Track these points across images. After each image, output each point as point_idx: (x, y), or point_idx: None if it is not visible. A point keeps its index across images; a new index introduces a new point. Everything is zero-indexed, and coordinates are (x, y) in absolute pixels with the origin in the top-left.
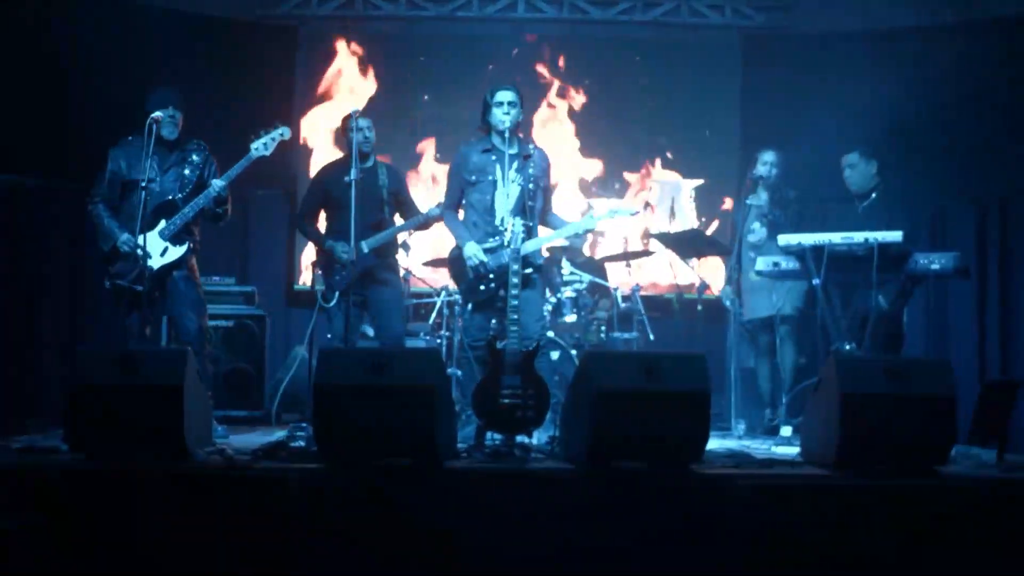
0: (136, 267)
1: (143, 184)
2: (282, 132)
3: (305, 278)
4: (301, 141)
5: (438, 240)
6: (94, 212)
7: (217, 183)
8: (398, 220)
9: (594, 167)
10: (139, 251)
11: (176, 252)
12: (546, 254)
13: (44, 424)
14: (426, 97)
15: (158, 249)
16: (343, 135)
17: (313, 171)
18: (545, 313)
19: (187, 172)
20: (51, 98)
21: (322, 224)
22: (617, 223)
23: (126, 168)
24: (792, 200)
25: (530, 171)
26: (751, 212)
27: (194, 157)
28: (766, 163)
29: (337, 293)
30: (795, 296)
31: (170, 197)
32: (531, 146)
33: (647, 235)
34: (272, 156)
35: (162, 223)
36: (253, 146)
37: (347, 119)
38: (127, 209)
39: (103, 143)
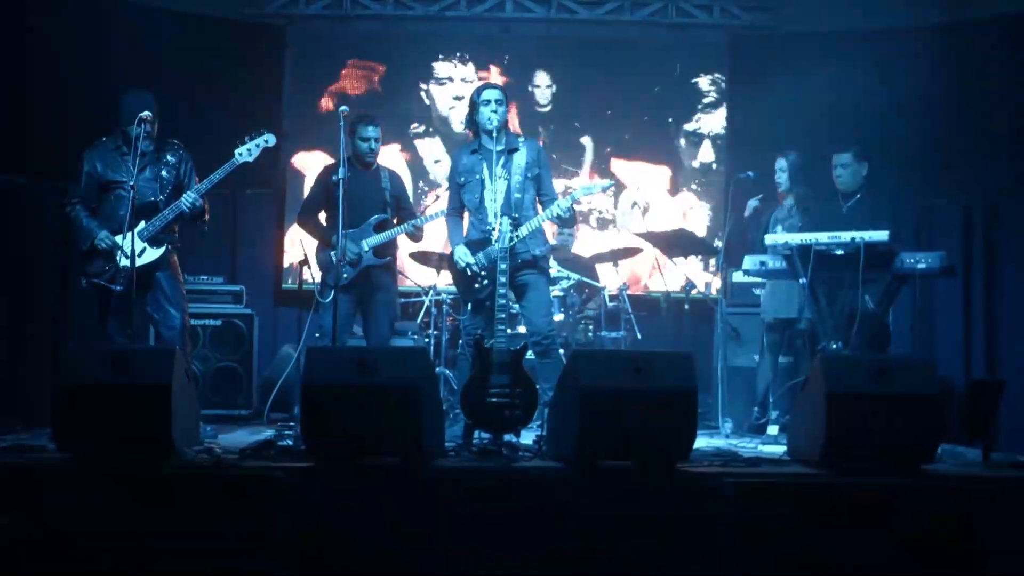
0: (113, 266)
1: (131, 184)
2: (267, 139)
3: (294, 277)
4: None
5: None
6: (72, 214)
7: (187, 197)
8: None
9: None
10: (118, 250)
11: (153, 254)
12: (553, 241)
13: (32, 423)
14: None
15: (136, 249)
16: (349, 136)
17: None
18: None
19: (164, 173)
20: (36, 97)
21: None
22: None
23: (102, 169)
24: (808, 203)
25: (515, 164)
26: (774, 216)
27: (169, 157)
28: (775, 170)
29: (332, 290)
30: (800, 308)
31: (151, 199)
32: (519, 139)
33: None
34: (262, 154)
35: (141, 224)
36: (237, 152)
37: (354, 123)
38: (104, 210)
39: (85, 142)
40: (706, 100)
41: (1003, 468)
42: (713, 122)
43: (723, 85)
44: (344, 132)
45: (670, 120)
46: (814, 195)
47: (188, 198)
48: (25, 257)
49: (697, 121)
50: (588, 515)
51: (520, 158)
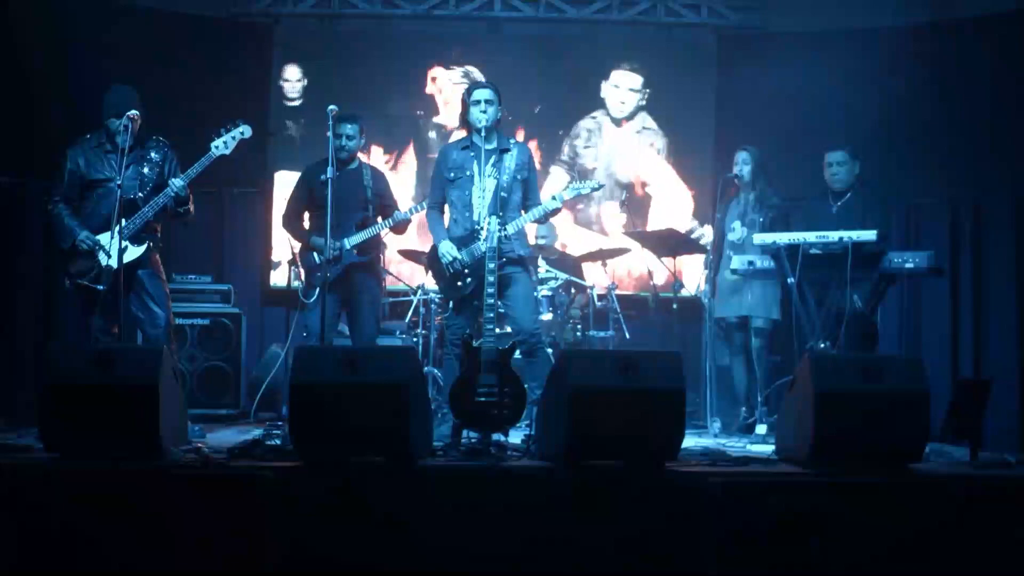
0: (96, 265)
1: (118, 183)
2: (243, 131)
3: (282, 276)
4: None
5: (413, 235)
6: (54, 212)
7: (176, 182)
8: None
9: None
10: (100, 249)
11: (135, 252)
12: (535, 241)
13: (16, 423)
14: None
15: (115, 248)
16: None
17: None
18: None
19: (146, 170)
20: (21, 96)
21: (306, 223)
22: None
23: (85, 167)
24: (775, 206)
25: (506, 165)
26: (731, 211)
27: (153, 155)
28: (737, 162)
29: (316, 289)
30: (767, 307)
31: (131, 196)
32: (511, 141)
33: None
34: (247, 154)
35: (122, 222)
36: (213, 145)
37: (334, 120)
38: (87, 208)
39: (75, 140)
40: (693, 99)
41: (990, 467)
42: (700, 121)
43: (711, 84)
44: (331, 131)
45: (656, 119)
46: (775, 191)
47: (176, 184)
48: (8, 256)
49: (684, 120)
50: (576, 514)
51: (510, 159)
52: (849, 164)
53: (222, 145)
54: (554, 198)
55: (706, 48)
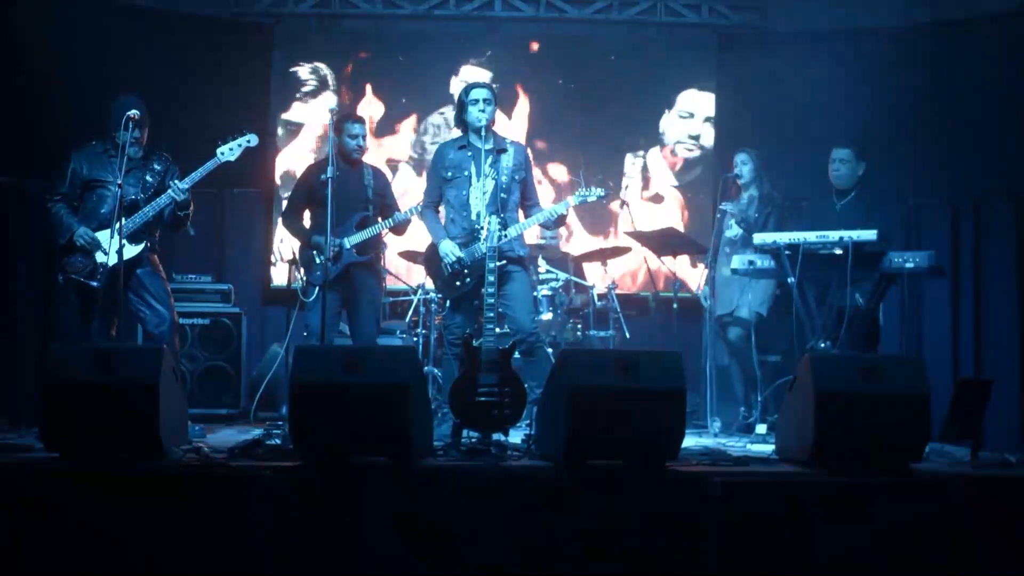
0: (91, 262)
1: (119, 183)
2: (249, 139)
3: (282, 275)
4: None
5: (411, 236)
6: (53, 210)
7: (178, 185)
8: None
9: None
10: (97, 246)
11: (132, 250)
12: (536, 240)
13: (17, 423)
14: (404, 100)
15: (114, 247)
16: (336, 134)
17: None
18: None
19: (148, 178)
20: (21, 96)
21: (307, 222)
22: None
23: (87, 169)
24: (775, 202)
25: (503, 165)
26: (729, 210)
27: (156, 165)
28: (737, 163)
29: (316, 289)
30: (755, 302)
31: (132, 197)
32: (507, 141)
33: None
34: (248, 154)
35: (121, 220)
36: (219, 151)
37: (341, 121)
38: (86, 208)
39: (74, 142)
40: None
41: (991, 467)
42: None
43: (711, 84)
44: (332, 131)
45: (656, 120)
46: (780, 194)
47: (179, 186)
48: (8, 256)
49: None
50: (577, 514)
51: (508, 159)
52: (853, 163)
53: (227, 151)
54: (562, 204)
55: (706, 48)
